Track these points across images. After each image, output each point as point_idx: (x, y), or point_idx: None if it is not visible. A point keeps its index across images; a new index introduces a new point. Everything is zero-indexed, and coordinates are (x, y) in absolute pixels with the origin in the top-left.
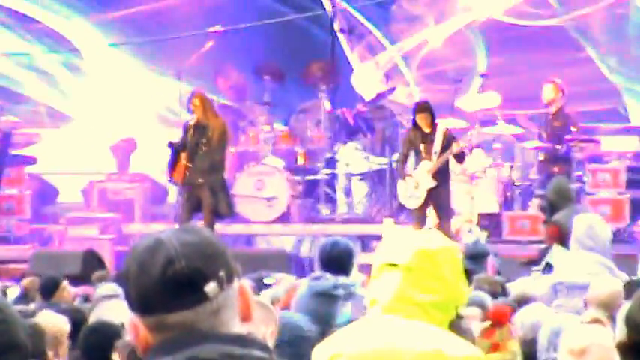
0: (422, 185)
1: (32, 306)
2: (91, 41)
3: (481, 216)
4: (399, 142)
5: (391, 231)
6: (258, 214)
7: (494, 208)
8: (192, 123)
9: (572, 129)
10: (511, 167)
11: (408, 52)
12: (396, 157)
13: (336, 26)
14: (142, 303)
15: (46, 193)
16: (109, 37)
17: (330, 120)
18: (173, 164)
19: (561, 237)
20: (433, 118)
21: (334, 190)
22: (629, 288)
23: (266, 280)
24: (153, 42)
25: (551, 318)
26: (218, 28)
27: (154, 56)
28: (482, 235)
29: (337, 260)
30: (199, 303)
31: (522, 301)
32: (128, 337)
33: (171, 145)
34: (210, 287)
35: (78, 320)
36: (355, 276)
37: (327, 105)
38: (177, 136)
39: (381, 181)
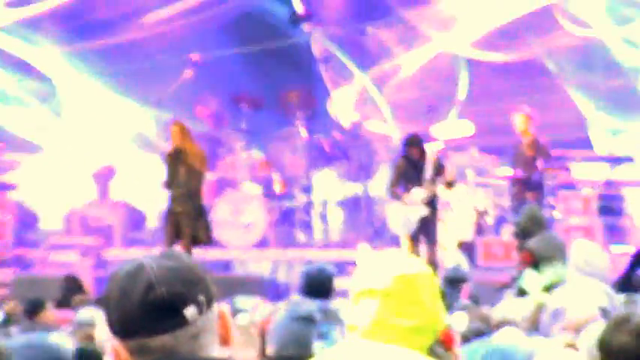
0: (415, 212)
1: (14, 329)
2: (66, 70)
3: (458, 244)
4: (374, 169)
5: (367, 256)
6: (236, 240)
7: (468, 234)
8: (170, 150)
9: (544, 157)
10: (484, 194)
11: (380, 79)
12: (372, 183)
13: (315, 52)
14: (123, 327)
15: (26, 219)
16: (87, 66)
17: (306, 147)
18: None
19: (534, 263)
20: (423, 148)
21: (311, 216)
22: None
23: (243, 305)
24: (132, 70)
25: (524, 342)
26: (196, 56)
27: (134, 85)
28: (463, 261)
29: (321, 286)
30: (179, 327)
31: (503, 326)
32: None
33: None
34: (190, 312)
35: None
36: (338, 301)
37: (303, 132)
38: (155, 162)
39: (357, 208)
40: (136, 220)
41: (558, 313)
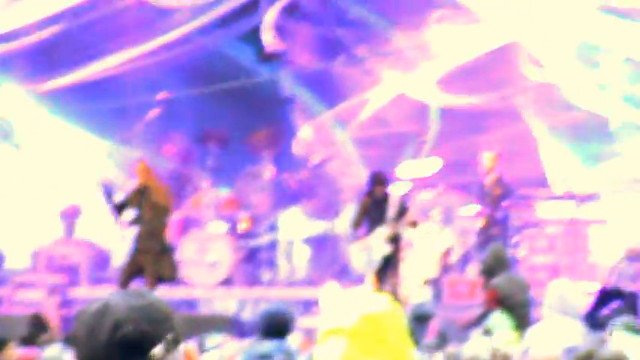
0: (378, 251)
1: None
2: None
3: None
4: (340, 207)
5: (333, 295)
6: (202, 279)
7: (433, 272)
8: (134, 187)
9: (510, 195)
10: (450, 232)
11: (346, 116)
12: (337, 221)
13: (283, 90)
14: None
15: None
16: (54, 105)
17: (273, 185)
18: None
19: (499, 301)
20: (387, 186)
21: (276, 255)
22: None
23: (211, 343)
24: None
25: None
26: (163, 95)
27: (101, 123)
28: (428, 298)
29: (280, 326)
30: None
31: None
32: None
33: (106, 186)
34: (157, 350)
35: None
36: (293, 339)
37: (270, 171)
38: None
39: (323, 246)
40: (102, 258)
41: (526, 352)
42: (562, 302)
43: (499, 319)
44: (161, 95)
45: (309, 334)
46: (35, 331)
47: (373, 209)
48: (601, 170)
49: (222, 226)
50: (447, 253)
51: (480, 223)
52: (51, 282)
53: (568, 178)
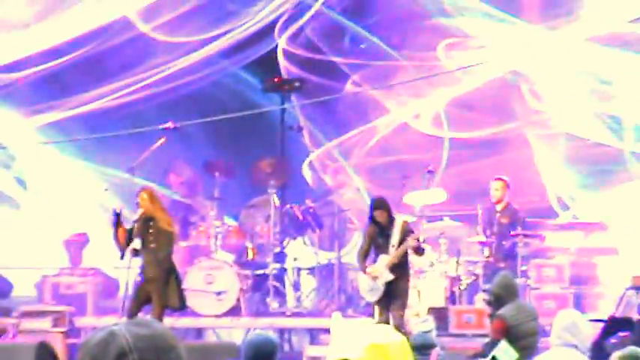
0: (381, 278)
1: None
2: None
3: (428, 310)
4: (347, 236)
5: (340, 325)
6: (208, 308)
7: (440, 302)
8: (139, 216)
9: (518, 225)
10: (457, 262)
11: (352, 145)
12: (344, 251)
13: (289, 119)
14: None
15: (1, 288)
16: (59, 134)
17: (279, 215)
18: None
19: (507, 331)
20: (390, 212)
21: (283, 284)
22: None
23: None
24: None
25: None
26: (170, 124)
27: (108, 152)
28: (432, 327)
29: (266, 356)
30: None
31: None
32: None
33: (115, 214)
34: None
35: None
36: None
37: (276, 200)
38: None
39: (330, 275)
40: (109, 288)
41: None
42: (570, 332)
43: (505, 349)
44: (168, 125)
45: None
46: None
47: (379, 237)
48: (609, 198)
49: (229, 256)
50: (454, 281)
51: (487, 252)
52: (57, 311)
53: (576, 207)
